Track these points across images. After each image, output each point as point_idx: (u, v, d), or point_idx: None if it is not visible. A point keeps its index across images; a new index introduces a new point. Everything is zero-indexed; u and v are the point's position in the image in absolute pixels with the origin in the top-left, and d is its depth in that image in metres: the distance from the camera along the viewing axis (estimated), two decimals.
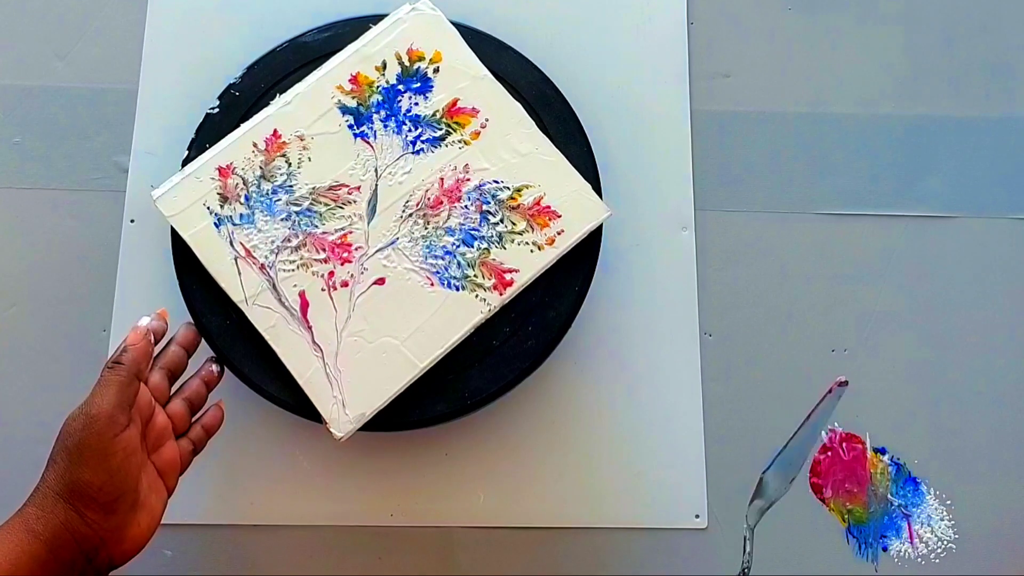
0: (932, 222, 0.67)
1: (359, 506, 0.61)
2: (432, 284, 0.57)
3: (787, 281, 0.66)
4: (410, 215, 0.58)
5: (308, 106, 0.59)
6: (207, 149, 0.58)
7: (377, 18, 0.62)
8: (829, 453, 0.63)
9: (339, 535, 0.60)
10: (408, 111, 0.59)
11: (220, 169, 0.58)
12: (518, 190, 0.58)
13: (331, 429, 0.54)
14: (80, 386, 0.61)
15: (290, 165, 0.58)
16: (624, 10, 0.69)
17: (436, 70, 0.60)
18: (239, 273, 0.56)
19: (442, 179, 0.58)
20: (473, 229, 0.58)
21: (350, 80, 0.59)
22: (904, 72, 0.70)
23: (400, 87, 0.59)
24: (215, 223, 0.57)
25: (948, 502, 0.63)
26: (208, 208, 0.57)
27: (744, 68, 0.69)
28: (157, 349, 0.52)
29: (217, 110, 0.60)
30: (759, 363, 0.64)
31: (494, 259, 0.57)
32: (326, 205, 0.57)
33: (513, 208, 0.58)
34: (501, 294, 0.57)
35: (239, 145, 0.58)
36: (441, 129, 0.59)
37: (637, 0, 0.69)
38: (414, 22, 0.60)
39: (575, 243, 0.58)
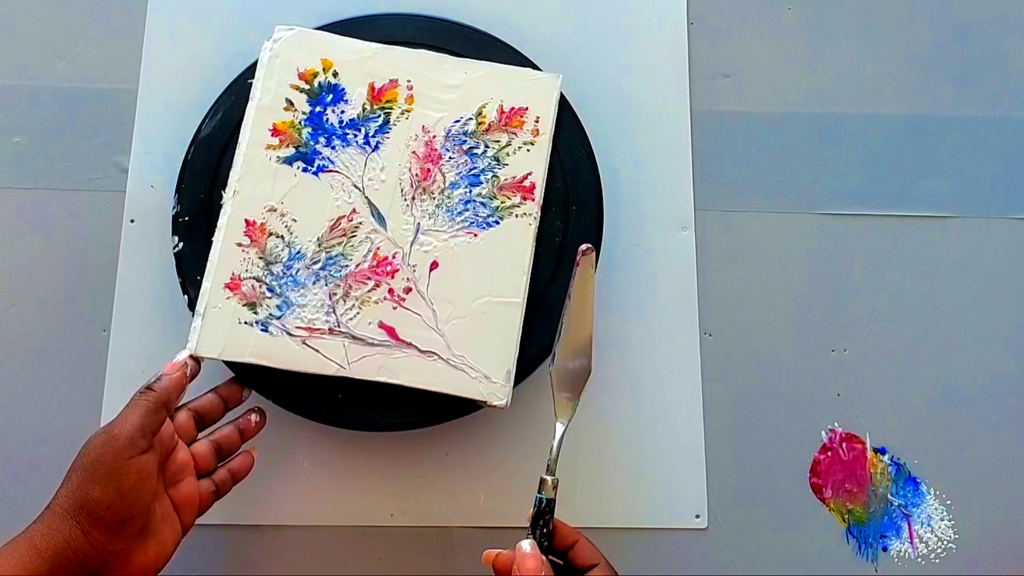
0: (932, 222, 0.67)
1: (359, 506, 0.61)
2: (475, 235, 0.57)
3: (787, 281, 0.66)
4: (412, 198, 0.58)
5: (256, 180, 0.57)
6: (199, 280, 0.57)
7: (251, 71, 0.61)
8: (829, 453, 0.63)
9: (339, 535, 0.60)
10: (341, 122, 0.59)
11: (227, 286, 0.56)
12: (479, 113, 0.59)
13: (493, 404, 0.55)
14: (80, 386, 0.61)
15: (283, 237, 0.57)
16: (624, 10, 0.69)
17: (335, 74, 0.59)
18: (317, 351, 0.55)
19: (414, 152, 0.58)
20: (470, 170, 0.58)
21: (272, 134, 0.58)
22: (904, 72, 0.70)
23: (318, 108, 0.59)
24: (261, 329, 0.55)
25: (948, 502, 0.63)
26: (245, 323, 0.55)
27: (744, 68, 0.69)
28: (192, 393, 0.53)
29: (182, 245, 0.59)
30: (759, 363, 0.64)
31: (505, 179, 0.58)
32: (339, 243, 0.57)
33: (487, 130, 0.59)
34: (534, 199, 0.58)
35: (226, 254, 0.56)
36: (379, 116, 0.59)
37: (637, 0, 0.69)
38: (285, 50, 0.60)
39: (554, 119, 0.60)
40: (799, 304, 0.65)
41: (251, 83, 0.59)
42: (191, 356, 0.53)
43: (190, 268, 0.58)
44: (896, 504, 0.62)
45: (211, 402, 0.54)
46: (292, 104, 0.58)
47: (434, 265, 0.57)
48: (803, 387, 0.64)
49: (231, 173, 0.57)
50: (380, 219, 0.57)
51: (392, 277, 0.56)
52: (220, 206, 0.57)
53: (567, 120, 0.62)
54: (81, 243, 0.64)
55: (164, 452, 0.49)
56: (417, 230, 0.57)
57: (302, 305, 0.56)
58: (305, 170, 0.58)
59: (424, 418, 0.57)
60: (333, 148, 0.58)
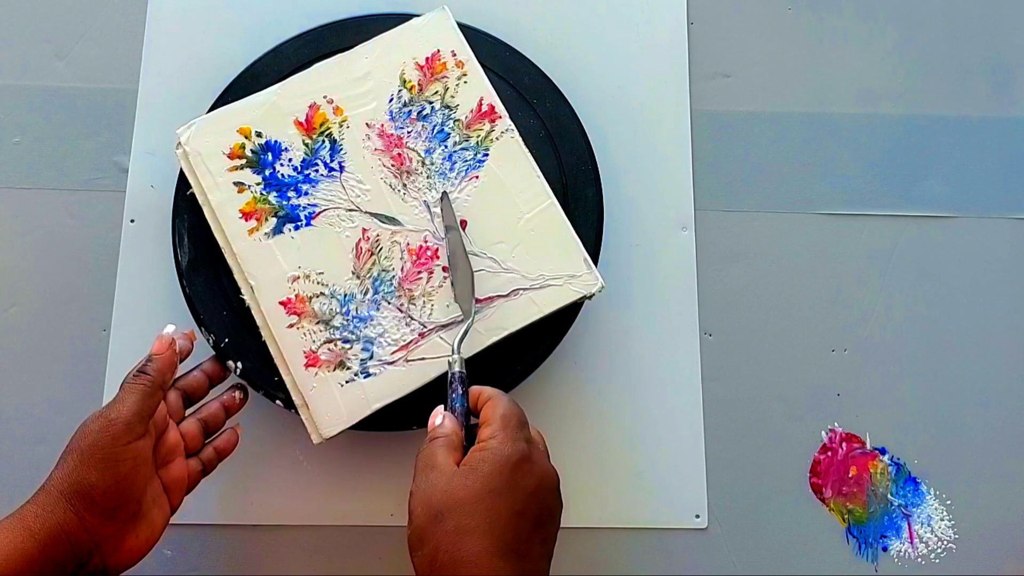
0: (932, 222, 0.67)
1: (359, 506, 0.61)
2: (477, 177, 0.58)
3: (787, 281, 0.66)
4: (404, 186, 0.58)
5: (263, 266, 0.56)
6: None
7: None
8: (829, 453, 0.63)
9: (339, 535, 0.60)
10: (296, 169, 0.58)
11: (306, 366, 0.55)
12: (404, 82, 0.59)
13: (592, 292, 0.56)
14: (80, 386, 0.61)
15: (323, 293, 0.56)
16: (624, 10, 0.69)
17: (259, 134, 0.58)
18: (423, 359, 0.55)
19: (376, 149, 0.58)
20: (433, 130, 0.59)
21: (245, 219, 0.57)
22: (904, 72, 0.70)
23: (267, 171, 0.58)
24: (364, 377, 0.55)
25: (948, 502, 0.63)
26: (347, 382, 0.55)
27: (744, 68, 0.69)
28: (181, 370, 0.52)
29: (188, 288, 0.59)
30: (759, 363, 0.64)
31: (465, 116, 0.59)
32: (373, 264, 0.57)
33: (420, 90, 0.59)
34: (500, 116, 0.59)
35: (286, 343, 0.55)
36: (323, 141, 0.58)
37: (637, 0, 0.69)
38: (200, 145, 0.57)
39: (467, 44, 0.60)
40: (799, 304, 0.65)
41: (191, 194, 0.58)
42: (184, 334, 0.53)
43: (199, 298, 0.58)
44: (896, 504, 0.62)
45: (198, 380, 0.54)
46: (243, 184, 0.57)
47: (463, 224, 0.57)
48: (803, 387, 0.64)
49: (236, 276, 0.56)
50: (391, 221, 0.57)
51: (437, 258, 0.57)
52: (241, 300, 0.56)
53: (567, 119, 0.62)
54: (81, 243, 0.64)
55: (157, 434, 0.50)
56: (428, 207, 0.58)
57: (382, 334, 0.56)
58: (298, 227, 0.57)
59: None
60: (306, 194, 0.57)
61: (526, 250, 0.57)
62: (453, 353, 0.51)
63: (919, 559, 0.62)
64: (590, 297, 0.57)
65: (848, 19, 0.70)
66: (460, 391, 0.50)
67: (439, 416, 0.48)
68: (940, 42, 0.70)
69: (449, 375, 0.51)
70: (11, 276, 0.63)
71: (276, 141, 0.58)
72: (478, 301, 0.56)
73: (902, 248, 0.66)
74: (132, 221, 0.64)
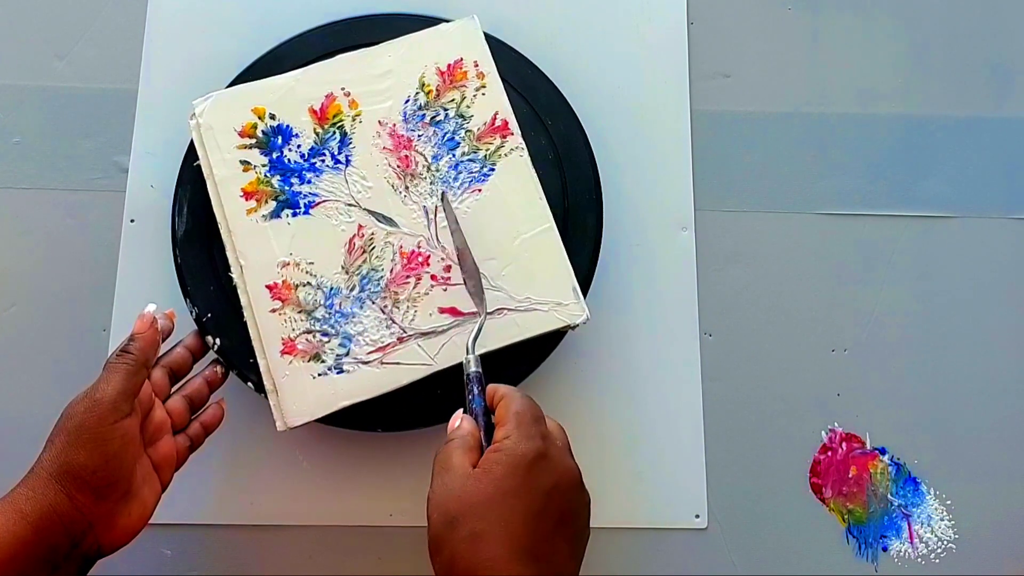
0: (932, 222, 0.67)
1: (359, 506, 0.61)
2: (479, 190, 0.58)
3: (787, 281, 0.66)
4: (406, 188, 0.58)
5: (255, 247, 0.56)
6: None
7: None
8: (829, 453, 0.63)
9: (339, 535, 0.60)
10: (303, 156, 0.58)
11: (283, 352, 0.55)
12: (422, 85, 0.59)
13: (575, 324, 0.56)
14: (80, 386, 0.61)
15: (310, 283, 0.56)
16: (624, 10, 0.69)
17: (272, 116, 0.58)
18: (399, 364, 0.55)
19: (384, 148, 0.58)
20: (443, 137, 0.59)
21: (246, 199, 0.57)
22: (904, 72, 0.70)
23: (275, 155, 0.57)
24: (337, 372, 0.55)
25: (948, 502, 0.63)
26: (319, 375, 0.55)
27: (744, 68, 0.69)
28: (162, 349, 0.52)
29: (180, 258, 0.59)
30: (759, 363, 0.64)
31: (477, 128, 0.59)
32: (363, 261, 0.57)
33: (437, 96, 0.59)
34: (512, 133, 0.59)
35: (266, 326, 0.55)
36: (334, 133, 0.58)
37: (637, 0, 0.69)
38: (213, 119, 0.58)
39: (491, 56, 0.60)
40: (799, 304, 0.65)
41: (197, 165, 0.58)
42: (164, 313, 0.53)
43: (192, 275, 0.59)
44: (896, 504, 0.62)
45: (181, 356, 0.54)
46: (249, 163, 0.57)
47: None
48: (803, 387, 0.64)
49: (227, 254, 0.56)
50: (388, 221, 0.57)
51: (428, 264, 0.57)
52: (229, 277, 0.56)
53: (589, 250, 0.61)
54: (81, 243, 0.64)
55: (143, 412, 0.50)
56: (427, 213, 0.58)
57: (361, 332, 0.55)
58: (295, 214, 0.57)
59: (424, 418, 0.57)
60: (309, 182, 0.57)
61: (517, 270, 0.56)
62: (468, 353, 0.51)
63: (919, 559, 0.62)
64: (574, 327, 0.56)
65: (848, 19, 0.70)
66: (476, 391, 0.49)
67: (458, 419, 0.48)
68: (940, 42, 0.70)
69: (464, 376, 0.50)
70: (11, 276, 0.63)
71: (288, 126, 0.58)
72: (463, 314, 0.56)
73: (902, 248, 0.66)
74: (132, 221, 0.64)
